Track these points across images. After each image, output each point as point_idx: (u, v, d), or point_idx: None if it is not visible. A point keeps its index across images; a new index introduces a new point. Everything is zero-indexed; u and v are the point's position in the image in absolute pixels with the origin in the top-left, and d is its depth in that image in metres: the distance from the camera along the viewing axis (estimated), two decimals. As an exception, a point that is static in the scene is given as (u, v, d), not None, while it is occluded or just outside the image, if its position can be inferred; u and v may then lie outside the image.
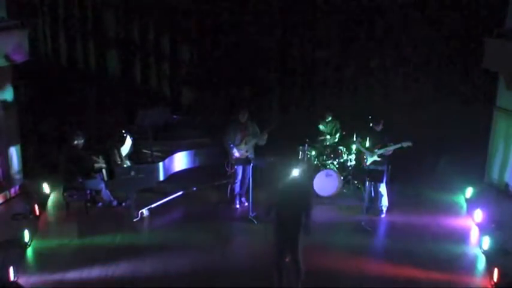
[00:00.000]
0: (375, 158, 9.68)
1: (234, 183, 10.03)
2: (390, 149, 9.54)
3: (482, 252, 8.55)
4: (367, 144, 9.82)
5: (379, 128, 9.63)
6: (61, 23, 12.34)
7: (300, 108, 12.96)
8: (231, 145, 9.71)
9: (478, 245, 8.79)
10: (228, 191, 10.16)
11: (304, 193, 7.49)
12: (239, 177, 9.98)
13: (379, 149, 9.61)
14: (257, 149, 10.01)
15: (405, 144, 9.47)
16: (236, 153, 9.72)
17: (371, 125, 9.78)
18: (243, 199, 10.12)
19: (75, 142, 9.54)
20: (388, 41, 12.47)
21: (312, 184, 10.20)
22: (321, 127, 10.82)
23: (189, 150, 10.03)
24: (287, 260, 7.47)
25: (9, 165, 10.59)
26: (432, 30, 12.04)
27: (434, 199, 10.43)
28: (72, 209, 9.72)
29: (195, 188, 10.59)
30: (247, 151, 9.82)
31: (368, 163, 9.77)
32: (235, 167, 9.87)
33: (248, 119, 9.80)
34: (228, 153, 9.80)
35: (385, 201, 9.74)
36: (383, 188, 9.65)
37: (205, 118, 11.72)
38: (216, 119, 10.85)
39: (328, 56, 12.66)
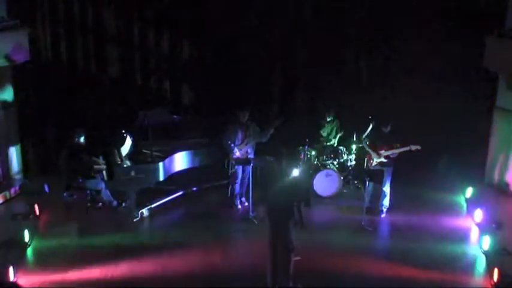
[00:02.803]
0: (382, 159, 9.65)
1: (235, 183, 10.03)
2: (397, 151, 9.50)
3: (482, 252, 8.55)
4: (374, 144, 9.80)
5: (387, 129, 9.58)
6: (61, 22, 12.31)
7: (301, 108, 12.94)
8: (232, 145, 9.70)
9: (478, 245, 8.79)
10: (229, 191, 10.15)
11: (296, 185, 7.49)
12: (239, 177, 9.98)
13: (385, 150, 9.58)
14: (257, 149, 10.01)
15: (413, 147, 9.43)
16: (237, 153, 9.71)
17: (371, 125, 9.78)
18: (243, 199, 10.13)
19: (75, 140, 9.54)
20: (388, 41, 12.44)
21: (310, 184, 10.22)
22: (322, 132, 10.83)
23: (189, 150, 10.04)
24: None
25: (9, 165, 10.59)
26: (432, 30, 12.02)
27: (435, 199, 10.43)
28: (72, 209, 9.72)
29: (195, 189, 10.59)
30: (247, 151, 9.82)
31: (374, 164, 9.73)
32: (236, 167, 9.87)
33: (248, 119, 9.80)
34: (228, 153, 9.79)
35: (386, 202, 9.73)
36: (387, 188, 9.64)
37: (204, 118, 11.70)
38: (216, 119, 10.83)
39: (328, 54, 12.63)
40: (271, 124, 9.79)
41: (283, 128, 10.37)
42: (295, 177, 7.60)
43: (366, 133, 10.16)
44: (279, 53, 12.63)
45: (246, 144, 9.79)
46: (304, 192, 7.54)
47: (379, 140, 9.70)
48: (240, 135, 9.76)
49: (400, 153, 9.55)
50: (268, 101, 12.92)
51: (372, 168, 9.70)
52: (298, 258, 7.50)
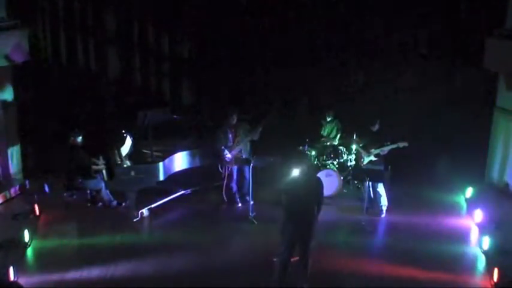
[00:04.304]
0: (372, 157, 9.72)
1: (232, 182, 10.05)
2: (386, 149, 9.59)
3: (482, 252, 8.55)
4: (364, 143, 9.88)
5: (375, 128, 9.68)
6: (61, 23, 12.35)
7: (301, 108, 12.96)
8: (222, 148, 9.74)
9: (478, 245, 8.78)
10: (224, 191, 10.13)
11: (315, 186, 7.50)
12: (235, 176, 10.00)
13: (375, 148, 9.66)
14: (257, 149, 10.02)
15: (401, 144, 9.52)
16: (228, 155, 9.75)
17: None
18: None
19: (72, 139, 9.55)
20: (388, 41, 12.45)
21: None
22: (323, 131, 10.85)
23: (189, 150, 10.04)
24: (294, 259, 7.47)
25: (9, 165, 10.59)
26: (432, 30, 12.04)
27: (434, 199, 10.42)
28: (72, 209, 9.72)
29: (193, 189, 10.58)
30: (240, 151, 9.84)
31: (365, 163, 9.82)
32: (232, 167, 9.89)
33: (238, 120, 9.84)
34: (219, 156, 9.82)
35: (384, 201, 9.74)
36: (381, 188, 9.67)
37: (204, 118, 11.73)
38: (214, 120, 10.87)
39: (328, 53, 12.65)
40: (260, 122, 9.83)
41: (283, 127, 10.41)
42: (313, 176, 7.63)
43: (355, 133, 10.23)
44: (279, 53, 12.67)
45: (237, 145, 9.82)
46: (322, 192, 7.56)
47: (368, 139, 9.76)
48: (230, 137, 9.81)
49: (393, 151, 9.61)
50: (268, 101, 12.97)
51: (365, 167, 9.75)
52: (296, 258, 7.52)
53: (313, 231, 7.39)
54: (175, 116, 10.35)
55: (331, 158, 10.63)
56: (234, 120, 9.83)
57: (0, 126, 10.35)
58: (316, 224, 7.41)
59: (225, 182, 10.02)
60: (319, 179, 7.63)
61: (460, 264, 8.44)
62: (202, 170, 10.34)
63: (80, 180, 9.56)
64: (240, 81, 12.76)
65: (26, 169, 11.00)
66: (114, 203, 9.97)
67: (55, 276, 7.97)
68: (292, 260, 7.50)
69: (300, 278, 7.46)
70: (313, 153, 10.72)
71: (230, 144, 9.83)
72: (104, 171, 9.74)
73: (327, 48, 12.68)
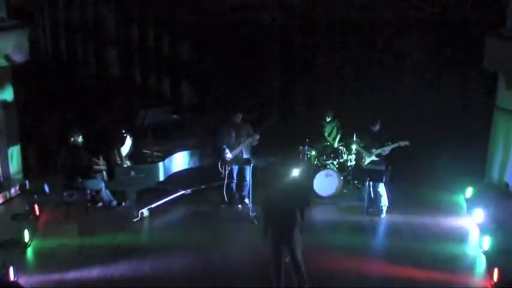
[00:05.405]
0: (373, 158, 9.72)
1: (232, 182, 10.06)
2: (387, 148, 9.59)
3: (482, 252, 8.55)
4: (365, 143, 9.88)
5: (376, 128, 9.69)
6: (61, 22, 12.34)
7: (301, 108, 12.95)
8: (224, 147, 9.74)
9: (478, 245, 8.79)
10: (224, 191, 10.13)
11: (298, 190, 7.46)
12: (234, 176, 10.00)
13: (376, 148, 9.66)
14: (257, 149, 10.02)
15: (402, 144, 9.53)
16: (228, 155, 9.74)
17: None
18: (246, 200, 10.08)
19: (72, 139, 9.55)
20: (388, 41, 12.44)
21: (311, 183, 10.21)
22: (324, 132, 10.87)
23: (189, 150, 10.05)
24: (287, 260, 7.47)
25: (9, 165, 10.59)
26: (432, 30, 12.02)
27: (434, 199, 10.43)
28: (72, 209, 9.72)
29: (193, 189, 10.59)
30: (242, 151, 9.84)
31: (366, 163, 9.82)
32: (232, 167, 9.88)
33: (242, 120, 9.84)
34: (221, 155, 9.82)
35: (384, 201, 9.75)
36: (381, 188, 9.67)
37: (204, 118, 11.72)
38: (215, 120, 10.86)
39: (328, 54, 12.63)
40: (258, 129, 9.85)
41: (283, 127, 10.38)
42: (296, 179, 7.55)
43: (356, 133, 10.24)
44: (279, 52, 12.67)
45: (239, 145, 9.82)
46: (306, 195, 7.46)
47: (369, 139, 9.77)
48: (233, 136, 9.80)
49: (393, 150, 9.62)
50: (268, 102, 12.96)
51: (366, 167, 9.75)
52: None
53: (296, 235, 7.24)
54: (175, 116, 10.35)
55: (331, 158, 10.63)
56: (239, 119, 9.83)
57: (0, 126, 10.35)
58: (298, 228, 7.25)
59: (226, 181, 10.03)
60: (303, 183, 7.56)
61: (460, 264, 8.44)
62: (202, 170, 10.34)
63: (80, 180, 9.56)
64: (240, 81, 12.75)
65: (26, 169, 11.00)
66: (114, 203, 9.98)
67: (55, 276, 7.97)
68: (286, 260, 7.48)
69: (296, 279, 7.43)
70: (313, 153, 10.72)
71: (232, 143, 9.83)
72: (104, 171, 9.74)
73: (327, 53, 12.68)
